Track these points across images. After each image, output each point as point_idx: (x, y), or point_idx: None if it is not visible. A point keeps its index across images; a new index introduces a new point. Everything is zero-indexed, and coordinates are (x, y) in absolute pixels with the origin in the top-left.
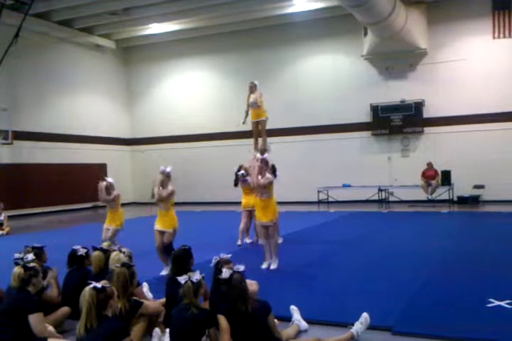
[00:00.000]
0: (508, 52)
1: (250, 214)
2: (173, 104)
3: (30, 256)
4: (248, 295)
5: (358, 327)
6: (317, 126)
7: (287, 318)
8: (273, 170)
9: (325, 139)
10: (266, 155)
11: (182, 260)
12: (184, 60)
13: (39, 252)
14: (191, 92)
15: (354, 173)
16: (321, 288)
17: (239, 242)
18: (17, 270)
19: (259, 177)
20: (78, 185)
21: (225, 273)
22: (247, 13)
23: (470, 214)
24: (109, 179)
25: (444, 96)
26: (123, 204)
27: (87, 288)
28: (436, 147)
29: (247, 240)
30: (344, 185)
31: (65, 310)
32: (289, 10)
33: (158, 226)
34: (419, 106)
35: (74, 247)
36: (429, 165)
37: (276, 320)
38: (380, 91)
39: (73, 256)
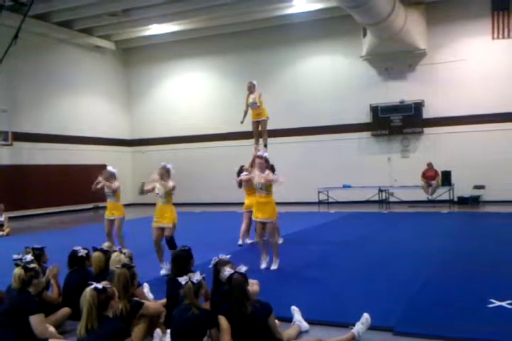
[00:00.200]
0: (508, 53)
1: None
2: (173, 105)
3: (29, 257)
4: (249, 295)
5: (359, 327)
6: (317, 127)
7: (288, 319)
8: (272, 171)
9: (325, 140)
10: (266, 154)
11: (182, 261)
12: (184, 60)
13: (39, 253)
14: (191, 93)
15: (354, 174)
16: (321, 288)
17: (240, 242)
18: (17, 271)
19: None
20: (78, 186)
21: (226, 273)
22: (247, 14)
23: (470, 214)
24: (111, 168)
25: (443, 97)
26: (123, 205)
27: (88, 289)
28: (436, 147)
29: (248, 241)
30: (344, 186)
31: (65, 310)
32: (289, 11)
33: (157, 222)
34: (418, 106)
35: (74, 248)
36: (430, 165)
37: (277, 321)
38: (380, 92)
39: (74, 257)
